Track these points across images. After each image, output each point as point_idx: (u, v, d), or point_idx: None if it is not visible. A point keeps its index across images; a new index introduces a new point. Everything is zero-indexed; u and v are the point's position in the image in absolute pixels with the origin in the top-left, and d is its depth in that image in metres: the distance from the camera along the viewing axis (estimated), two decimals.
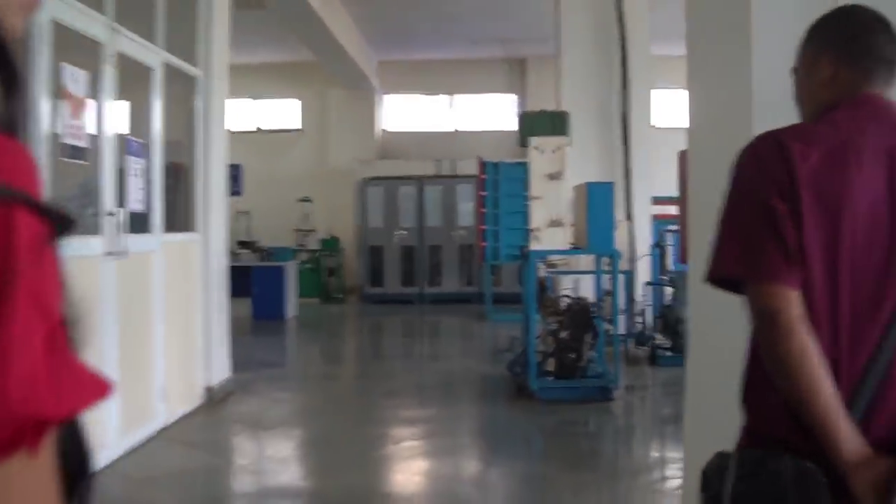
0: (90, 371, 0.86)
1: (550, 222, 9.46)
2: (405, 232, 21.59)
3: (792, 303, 2.07)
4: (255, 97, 24.29)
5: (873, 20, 2.31)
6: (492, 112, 24.62)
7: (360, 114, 23.88)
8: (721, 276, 2.25)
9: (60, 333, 0.84)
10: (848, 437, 2.03)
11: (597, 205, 9.40)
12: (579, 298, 10.09)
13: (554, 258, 10.49)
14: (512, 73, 24.18)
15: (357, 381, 12.18)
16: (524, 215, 16.82)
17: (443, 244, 21.60)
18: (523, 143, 9.80)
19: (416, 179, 21.77)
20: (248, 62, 22.33)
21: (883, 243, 2.11)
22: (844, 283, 2.11)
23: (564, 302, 10.06)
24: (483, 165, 16.95)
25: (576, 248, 9.99)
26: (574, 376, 9.69)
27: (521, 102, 23.78)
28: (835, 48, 2.32)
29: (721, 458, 2.20)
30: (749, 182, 2.18)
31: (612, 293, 10.10)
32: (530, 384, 9.60)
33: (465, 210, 21.27)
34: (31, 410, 0.79)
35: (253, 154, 22.62)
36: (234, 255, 18.34)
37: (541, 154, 9.44)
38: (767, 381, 2.15)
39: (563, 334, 9.54)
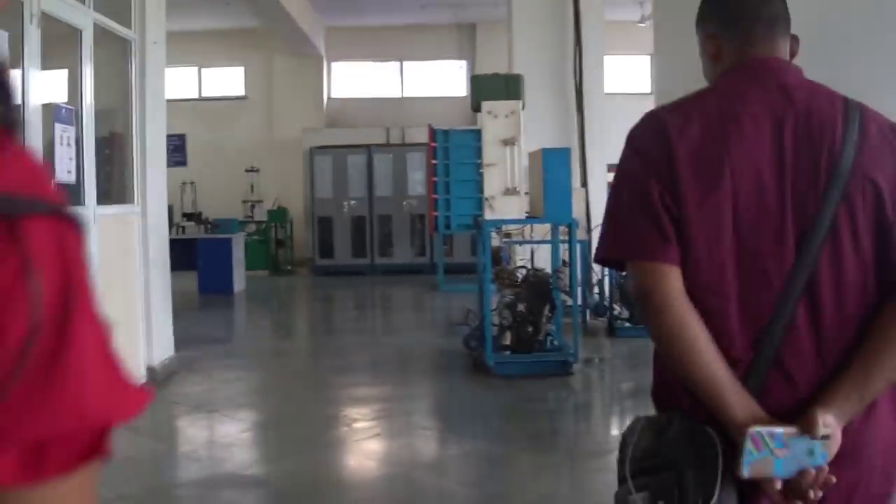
0: (130, 373, 0.90)
1: (505, 190, 9.07)
2: (355, 202, 21.16)
3: (666, 278, 2.07)
4: (198, 65, 23.86)
5: None
6: (442, 79, 24.28)
7: (307, 81, 23.39)
8: (604, 257, 2.28)
9: (111, 337, 0.88)
10: (736, 401, 2.02)
11: (553, 172, 9.03)
12: (536, 269, 9.73)
13: (509, 227, 10.09)
14: (462, 38, 23.86)
15: (308, 357, 11.74)
16: (476, 184, 16.51)
17: (393, 214, 21.14)
18: (476, 108, 9.38)
19: (366, 148, 21.28)
20: (191, 29, 21.76)
21: (772, 210, 2.08)
22: (732, 255, 2.08)
23: (521, 273, 9.70)
24: (433, 133, 16.51)
25: (532, 217, 9.60)
26: (532, 350, 9.34)
27: (471, 68, 23.28)
28: (713, 22, 2.30)
29: (634, 421, 2.20)
30: (627, 164, 2.19)
31: (569, 263, 9.75)
32: (487, 359, 9.25)
33: (416, 179, 20.85)
34: (107, 419, 0.84)
35: (197, 123, 22.32)
36: (178, 227, 17.96)
37: (494, 119, 9.03)
38: None
39: (520, 307, 9.18)
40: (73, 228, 0.84)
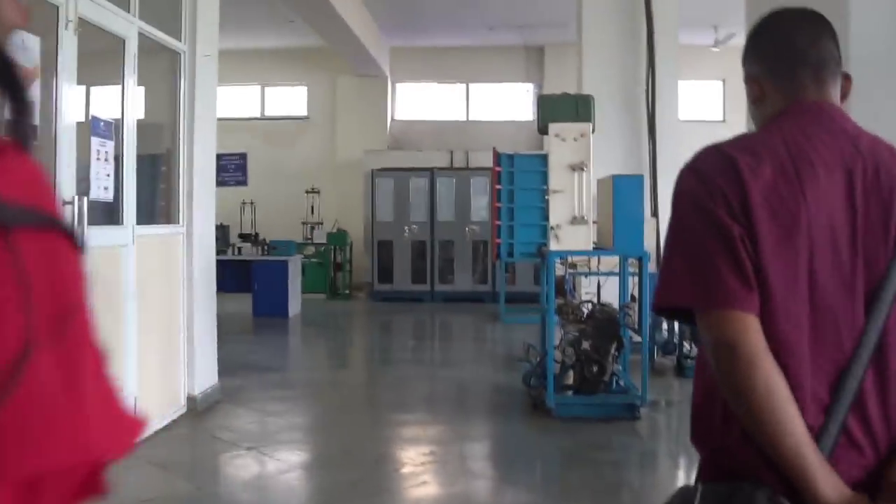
0: (124, 400, 0.89)
1: (572, 219, 8.45)
2: (416, 226, 20.62)
3: (752, 331, 1.92)
4: (261, 83, 23.89)
5: (795, 20, 2.18)
6: (508, 102, 23.79)
7: (371, 102, 23.10)
8: (671, 305, 2.07)
9: (106, 362, 0.86)
10: (823, 476, 1.89)
11: (624, 201, 8.41)
12: (603, 304, 9.11)
13: (575, 258, 9.46)
14: (529, 60, 23.37)
15: (360, 389, 11.15)
16: (542, 211, 16.08)
17: (455, 240, 20.50)
18: (542, 130, 8.77)
19: (428, 171, 20.73)
20: (255, 46, 22.07)
21: (845, 264, 1.98)
22: (806, 307, 1.96)
23: (586, 308, 9.08)
24: (498, 157, 15.99)
25: (599, 249, 8.98)
26: (596, 392, 8.71)
27: (539, 92, 22.73)
28: (758, 64, 2.19)
29: (684, 492, 2.01)
30: (696, 200, 2.01)
31: (639, 298, 9.11)
32: (547, 399, 8.63)
33: (479, 204, 20.31)
34: (104, 454, 0.83)
35: (259, 143, 22.49)
36: (234, 248, 17.58)
37: (562, 142, 8.43)
38: (727, 413, 2.00)
39: (586, 345, 8.55)
40: (70, 245, 0.85)
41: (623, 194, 8.38)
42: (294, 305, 17.42)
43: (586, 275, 10.24)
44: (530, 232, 15.72)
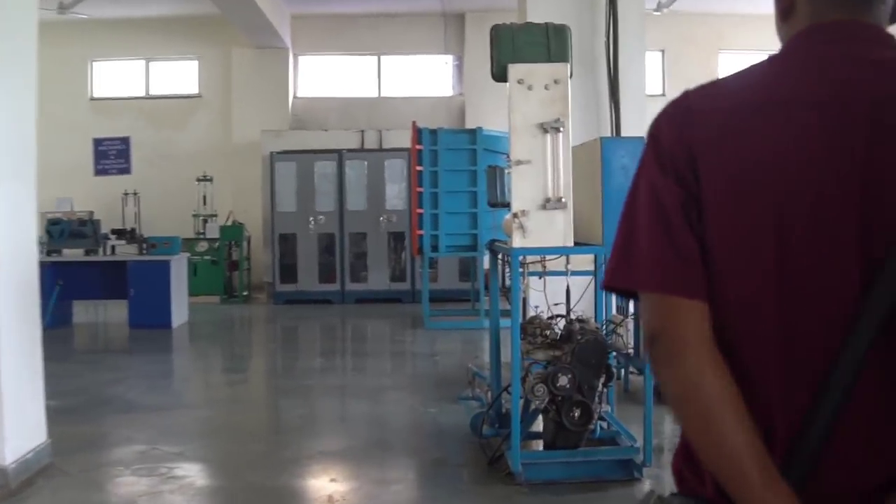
0: None
1: (545, 202, 5.87)
2: (322, 217, 18.10)
3: (682, 317, 1.66)
4: (146, 58, 21.71)
5: None
6: (425, 76, 21.79)
7: (270, 77, 20.89)
8: (610, 285, 1.79)
9: None
10: (769, 497, 1.56)
11: (618, 175, 5.86)
12: (581, 319, 6.55)
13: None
14: (449, 29, 21.18)
15: (251, 439, 8.20)
16: (471, 196, 13.81)
17: (368, 232, 18.07)
18: (499, 76, 6.06)
19: (336, 153, 18.34)
20: (138, 15, 20.23)
21: (833, 229, 1.59)
22: (772, 284, 1.62)
23: (559, 325, 6.56)
24: (418, 132, 13.67)
25: (581, 245, 6.37)
26: (579, 445, 6.19)
27: (460, 64, 21.26)
28: None
29: (647, 496, 1.72)
30: (643, 163, 1.76)
31: (627, 309, 6.63)
32: (511, 460, 6.10)
33: (395, 191, 18.09)
34: None
35: (143, 125, 20.73)
36: (107, 247, 15.01)
37: (527, 92, 5.83)
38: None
39: (563, 380, 6.00)
40: None
41: (616, 166, 5.83)
42: (179, 313, 14.78)
43: (541, 275, 7.43)
44: (458, 221, 13.59)
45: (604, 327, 6.62)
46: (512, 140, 5.86)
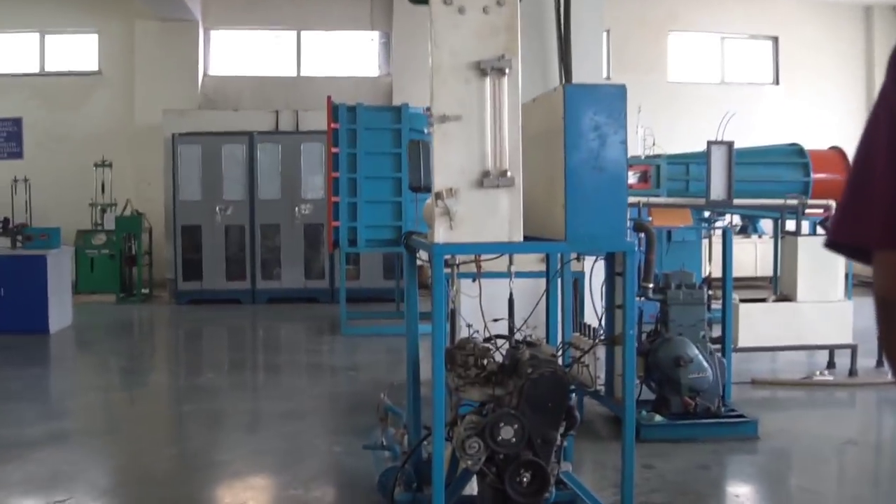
0: None
1: (482, 177, 4.07)
2: (231, 207, 16.37)
3: None
4: (40, 30, 20.14)
5: None
6: (349, 54, 20.65)
7: (178, 53, 19.50)
8: (836, 240, 1.56)
9: None
10: None
11: (590, 138, 4.09)
12: (530, 342, 4.76)
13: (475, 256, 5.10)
14: (375, 3, 20.08)
15: (129, 494, 6.30)
16: (395, 183, 12.17)
17: (282, 223, 16.49)
18: None
19: (247, 135, 16.56)
20: None
21: None
22: None
23: (499, 350, 4.78)
24: (335, 109, 11.92)
25: (534, 239, 4.57)
26: None
27: (387, 43, 20.07)
28: None
29: None
30: (883, 94, 1.48)
31: (593, 331, 4.85)
32: None
33: (313, 178, 16.41)
34: None
35: (37, 105, 19.35)
36: None
37: (458, 16, 4.03)
38: None
39: (507, 432, 4.23)
40: None
41: (587, 126, 4.05)
42: (60, 316, 12.91)
43: (475, 278, 5.58)
44: (380, 211, 12.45)
45: (561, 353, 4.84)
46: (434, 87, 4.04)
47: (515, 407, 4.33)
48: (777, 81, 21.09)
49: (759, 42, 21.09)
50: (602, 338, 4.58)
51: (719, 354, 7.47)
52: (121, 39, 19.57)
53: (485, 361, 4.61)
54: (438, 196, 4.13)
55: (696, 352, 6.87)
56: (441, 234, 4.17)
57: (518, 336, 4.89)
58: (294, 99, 18.95)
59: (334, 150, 12.07)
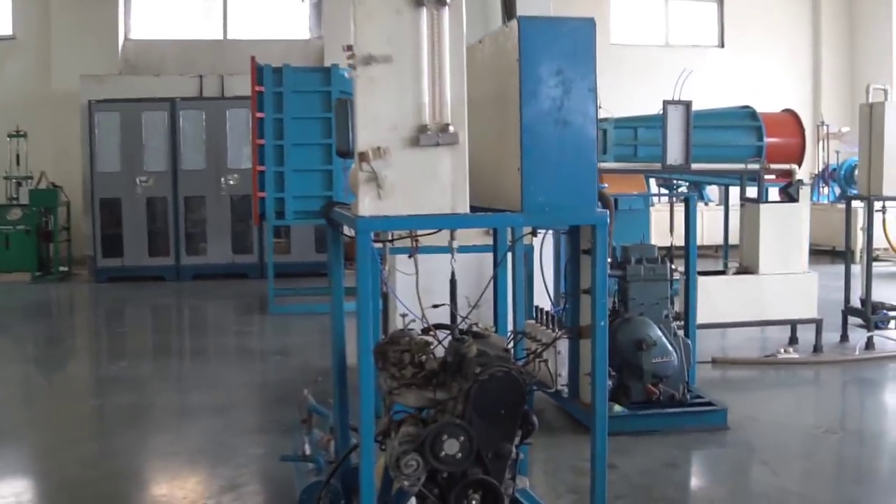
0: None
1: (418, 132, 3.31)
2: (152, 178, 15.64)
3: None
4: None
5: None
6: (278, 16, 20.07)
7: (97, 16, 18.73)
8: None
9: None
10: None
11: (550, 86, 3.35)
12: (477, 332, 3.99)
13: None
14: None
15: None
16: (326, 150, 11.41)
17: (207, 195, 15.83)
18: None
19: (168, 102, 15.77)
20: None
21: None
22: None
23: (441, 342, 4.00)
24: (259, 70, 11.10)
25: (483, 213, 3.80)
26: None
27: (319, 3, 19.29)
28: None
29: None
30: None
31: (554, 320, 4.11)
32: None
33: (240, 147, 15.59)
34: None
35: None
36: None
37: None
38: None
39: (452, 446, 3.49)
40: None
41: (546, 71, 3.32)
42: None
43: (410, 254, 4.78)
44: (309, 181, 11.82)
45: (512, 345, 4.09)
46: (357, 19, 3.25)
47: (461, 415, 3.57)
48: (722, 43, 20.64)
49: (704, 3, 20.65)
50: (565, 329, 3.83)
51: (682, 334, 6.80)
52: (36, 2, 18.85)
53: (423, 358, 3.85)
54: (363, 158, 3.34)
55: (660, 333, 6.16)
56: (367, 206, 3.39)
57: (462, 326, 4.13)
58: (220, 63, 18.13)
59: (259, 115, 11.28)
